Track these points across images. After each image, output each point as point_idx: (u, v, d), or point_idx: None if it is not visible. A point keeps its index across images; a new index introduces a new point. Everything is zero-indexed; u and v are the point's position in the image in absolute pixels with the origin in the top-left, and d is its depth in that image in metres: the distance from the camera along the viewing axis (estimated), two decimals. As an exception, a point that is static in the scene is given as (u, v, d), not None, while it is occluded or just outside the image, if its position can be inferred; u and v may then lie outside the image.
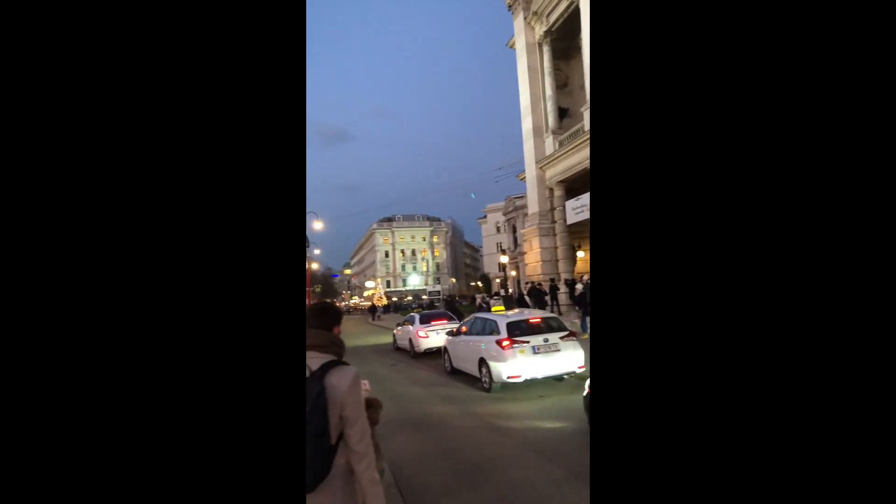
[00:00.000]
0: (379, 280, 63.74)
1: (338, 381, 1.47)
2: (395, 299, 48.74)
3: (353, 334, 20.08)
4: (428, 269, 66.29)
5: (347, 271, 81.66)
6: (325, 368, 1.49)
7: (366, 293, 62.38)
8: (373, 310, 31.49)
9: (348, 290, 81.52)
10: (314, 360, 1.52)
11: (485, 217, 53.09)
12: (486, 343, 6.67)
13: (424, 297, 45.62)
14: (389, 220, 69.68)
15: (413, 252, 67.63)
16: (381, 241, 68.00)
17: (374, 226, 69.67)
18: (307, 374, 1.48)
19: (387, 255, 67.90)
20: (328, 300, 2.10)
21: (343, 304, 71.64)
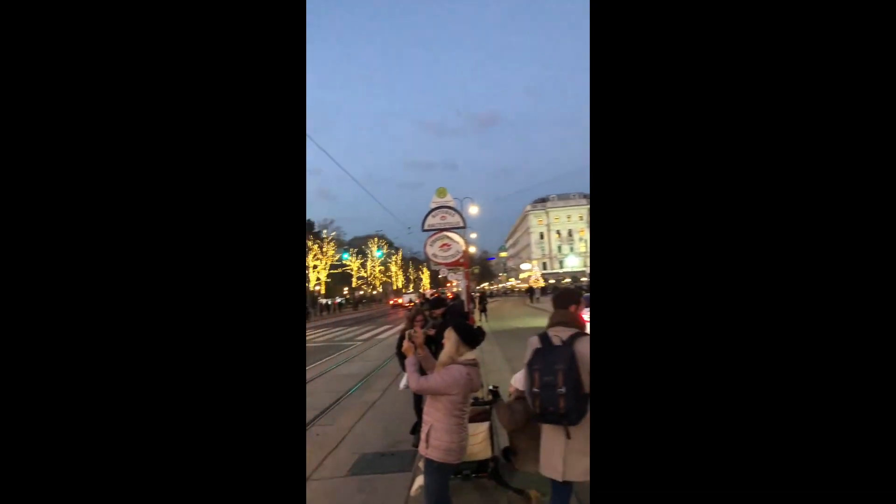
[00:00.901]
0: (535, 262, 63.19)
1: (582, 347, 1.90)
2: (552, 282, 47.84)
3: (513, 316, 20.13)
4: (587, 249, 63.17)
5: (503, 254, 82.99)
6: (573, 338, 1.95)
7: (521, 275, 62.55)
8: (530, 292, 31.69)
9: (504, 272, 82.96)
10: (563, 332, 2.01)
11: (650, 190, 47.91)
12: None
13: (584, 279, 43.69)
14: (543, 200, 68.22)
15: (569, 232, 65.17)
16: (535, 222, 67.08)
17: (528, 207, 69.05)
18: (559, 343, 1.96)
19: (541, 236, 66.79)
20: (566, 287, 2.37)
21: (499, 286, 73.24)
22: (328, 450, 4.28)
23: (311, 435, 4.62)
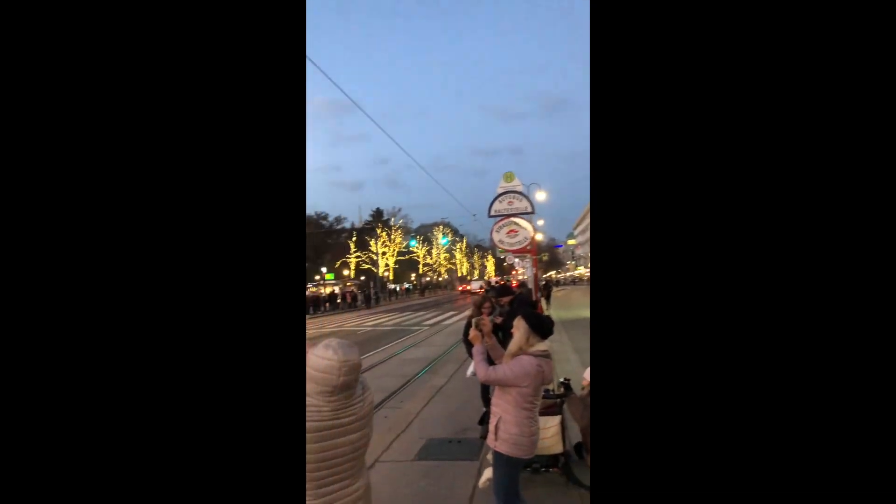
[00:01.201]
0: (605, 250, 60.58)
1: None
2: (623, 270, 45.63)
3: (582, 305, 19.49)
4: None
5: (571, 241, 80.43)
6: None
7: (591, 264, 60.34)
8: (600, 281, 30.62)
9: (572, 260, 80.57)
10: None
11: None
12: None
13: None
14: (615, 185, 64.90)
15: (643, 218, 61.64)
16: (607, 208, 64.05)
17: (598, 193, 66.06)
18: None
19: (613, 223, 63.73)
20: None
21: (567, 274, 71.34)
22: (396, 432, 4.35)
23: (380, 417, 4.72)
